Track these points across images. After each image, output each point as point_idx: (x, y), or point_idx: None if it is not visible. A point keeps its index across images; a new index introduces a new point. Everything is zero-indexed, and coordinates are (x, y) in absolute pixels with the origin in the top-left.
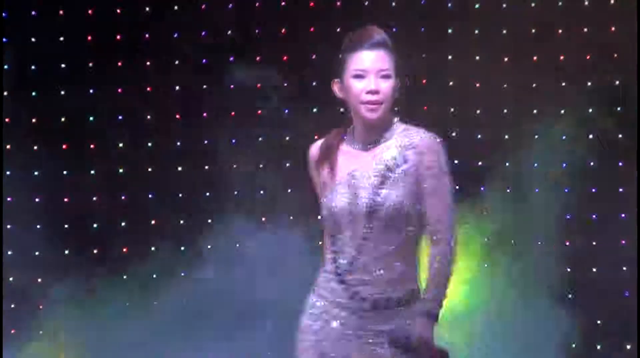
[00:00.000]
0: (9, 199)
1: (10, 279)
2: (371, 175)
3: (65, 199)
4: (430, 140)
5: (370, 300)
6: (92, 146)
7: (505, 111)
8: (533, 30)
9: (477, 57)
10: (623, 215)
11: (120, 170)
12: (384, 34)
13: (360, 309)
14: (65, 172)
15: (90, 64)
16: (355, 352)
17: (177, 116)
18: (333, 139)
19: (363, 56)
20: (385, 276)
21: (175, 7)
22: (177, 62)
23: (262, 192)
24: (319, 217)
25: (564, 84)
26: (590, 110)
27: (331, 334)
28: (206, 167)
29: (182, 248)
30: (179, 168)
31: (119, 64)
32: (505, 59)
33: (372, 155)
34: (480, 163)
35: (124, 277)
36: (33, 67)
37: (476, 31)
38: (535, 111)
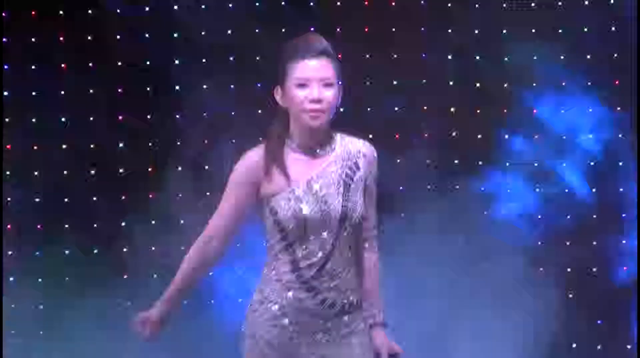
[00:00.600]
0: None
1: (11, 279)
2: (334, 183)
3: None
4: (372, 149)
5: (339, 305)
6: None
7: (505, 111)
8: (533, 30)
9: (477, 58)
10: (624, 215)
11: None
12: (325, 42)
13: (330, 316)
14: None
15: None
16: (328, 354)
17: (177, 116)
18: (275, 146)
19: (305, 64)
20: (346, 280)
21: (175, 7)
22: (176, 62)
23: None
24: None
25: (564, 83)
26: (590, 109)
27: (302, 344)
28: None
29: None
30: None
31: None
32: (506, 59)
33: (325, 163)
34: (480, 163)
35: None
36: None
37: (476, 31)
38: (535, 111)
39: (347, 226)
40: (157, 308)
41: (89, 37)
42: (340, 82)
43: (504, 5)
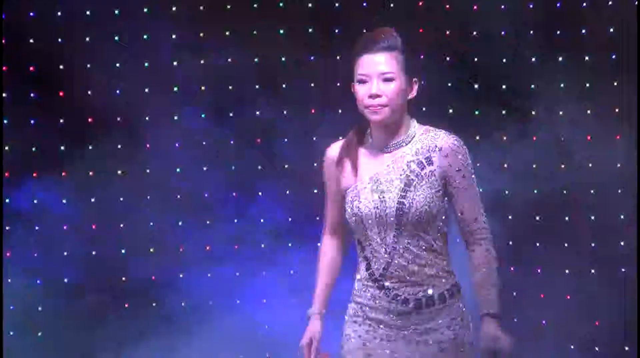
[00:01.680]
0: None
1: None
2: (395, 179)
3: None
4: (454, 142)
5: (413, 300)
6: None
7: (503, 112)
8: (531, 32)
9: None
10: (622, 216)
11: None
12: (389, 35)
13: (403, 311)
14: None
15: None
16: (401, 351)
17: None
18: (351, 140)
19: (365, 60)
20: (421, 275)
21: (173, 8)
22: (175, 62)
23: None
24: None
25: (562, 85)
26: (589, 111)
27: (377, 338)
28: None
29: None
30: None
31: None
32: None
33: (393, 158)
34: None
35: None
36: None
37: (475, 32)
38: (533, 112)
39: (405, 222)
40: (317, 323)
41: None
42: (412, 78)
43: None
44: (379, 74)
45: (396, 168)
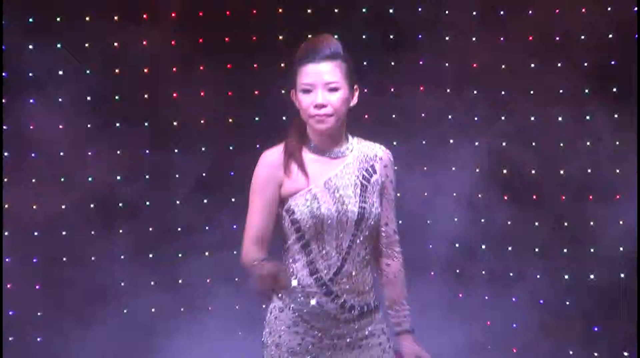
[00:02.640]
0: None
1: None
2: (351, 185)
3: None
4: (389, 153)
5: (358, 307)
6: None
7: (502, 117)
8: (530, 38)
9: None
10: (621, 221)
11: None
12: (332, 43)
13: (349, 318)
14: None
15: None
16: (346, 356)
17: (176, 123)
18: (293, 144)
19: (309, 69)
20: (363, 282)
21: (173, 14)
22: (174, 69)
23: None
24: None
25: (561, 91)
26: (588, 117)
27: (323, 349)
28: None
29: None
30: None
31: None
32: (503, 66)
33: (342, 164)
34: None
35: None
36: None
37: (474, 39)
38: (532, 118)
39: (363, 228)
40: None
41: None
42: (354, 85)
43: None
44: (324, 84)
45: (348, 174)
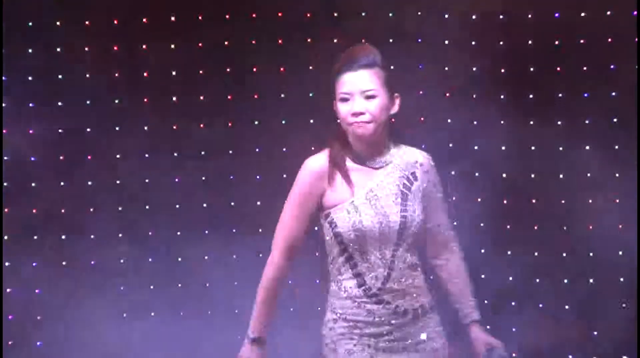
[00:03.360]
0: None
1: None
2: (391, 194)
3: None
4: (430, 158)
5: (411, 311)
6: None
7: (502, 122)
8: (530, 42)
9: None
10: (621, 225)
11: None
12: (369, 52)
13: (403, 323)
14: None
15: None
16: None
17: (175, 126)
18: (337, 153)
19: (346, 78)
20: (415, 287)
21: (172, 18)
22: (173, 73)
23: None
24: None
25: (560, 95)
26: (587, 121)
27: (379, 352)
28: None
29: None
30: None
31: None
32: (502, 70)
33: (383, 174)
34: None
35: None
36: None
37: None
38: (531, 122)
39: (405, 236)
40: (256, 350)
41: None
42: (394, 93)
43: None
44: (361, 92)
45: (390, 183)
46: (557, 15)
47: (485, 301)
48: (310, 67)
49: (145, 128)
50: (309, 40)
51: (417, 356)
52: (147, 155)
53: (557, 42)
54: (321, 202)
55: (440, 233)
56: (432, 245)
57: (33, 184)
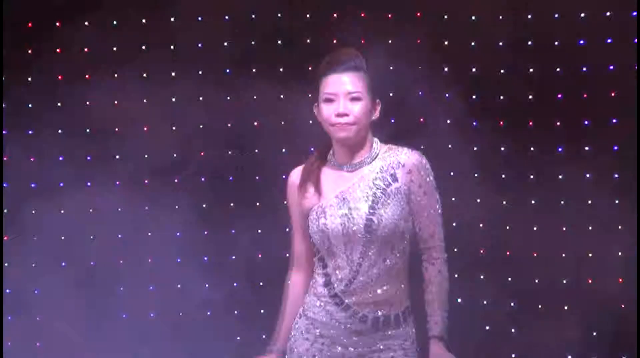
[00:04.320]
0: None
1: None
2: (362, 196)
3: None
4: (417, 158)
5: (371, 319)
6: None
7: (501, 123)
8: (529, 42)
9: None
10: (620, 226)
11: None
12: (355, 56)
13: (360, 329)
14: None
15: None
16: None
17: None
18: (313, 162)
19: (332, 79)
20: (383, 294)
21: (172, 19)
22: (173, 74)
23: None
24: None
25: (559, 96)
26: (586, 122)
27: (332, 357)
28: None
29: None
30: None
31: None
32: (502, 71)
33: (358, 176)
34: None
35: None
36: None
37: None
38: (531, 123)
39: (374, 239)
40: (275, 353)
41: None
42: (375, 99)
43: None
44: (346, 94)
45: (362, 186)
46: (556, 15)
47: (485, 302)
48: (310, 68)
49: (145, 129)
50: (308, 40)
51: None
52: (146, 156)
53: (556, 42)
54: (303, 209)
55: (421, 239)
56: (419, 250)
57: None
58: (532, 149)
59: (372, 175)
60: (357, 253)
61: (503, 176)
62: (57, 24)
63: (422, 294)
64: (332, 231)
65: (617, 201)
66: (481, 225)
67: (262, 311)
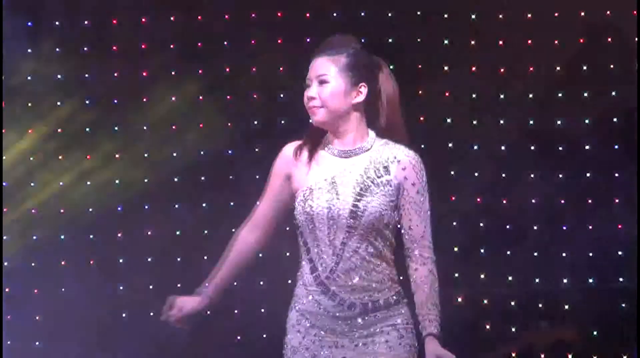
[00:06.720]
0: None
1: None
2: (351, 183)
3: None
4: (414, 157)
5: (359, 305)
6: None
7: (501, 122)
8: (529, 42)
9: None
10: (621, 226)
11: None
12: (338, 42)
13: (349, 316)
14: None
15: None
16: (350, 356)
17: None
18: (308, 141)
19: (310, 65)
20: (368, 280)
21: (172, 18)
22: (173, 72)
23: None
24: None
25: (560, 94)
26: (587, 121)
27: (324, 347)
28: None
29: None
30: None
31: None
32: (502, 70)
33: (351, 163)
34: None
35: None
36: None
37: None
38: (531, 122)
39: (358, 225)
40: (198, 299)
41: None
42: (358, 83)
43: None
44: (315, 77)
45: (353, 172)
46: (556, 15)
47: (485, 301)
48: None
49: (145, 128)
50: (308, 40)
51: (364, 349)
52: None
53: (556, 42)
54: (290, 186)
55: (411, 237)
56: (405, 249)
57: None
58: (532, 148)
59: (364, 164)
60: (339, 239)
61: (503, 175)
62: None
63: (410, 293)
64: (317, 215)
65: (617, 200)
66: (481, 225)
67: (262, 311)
